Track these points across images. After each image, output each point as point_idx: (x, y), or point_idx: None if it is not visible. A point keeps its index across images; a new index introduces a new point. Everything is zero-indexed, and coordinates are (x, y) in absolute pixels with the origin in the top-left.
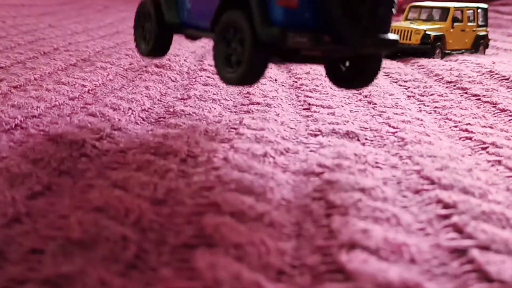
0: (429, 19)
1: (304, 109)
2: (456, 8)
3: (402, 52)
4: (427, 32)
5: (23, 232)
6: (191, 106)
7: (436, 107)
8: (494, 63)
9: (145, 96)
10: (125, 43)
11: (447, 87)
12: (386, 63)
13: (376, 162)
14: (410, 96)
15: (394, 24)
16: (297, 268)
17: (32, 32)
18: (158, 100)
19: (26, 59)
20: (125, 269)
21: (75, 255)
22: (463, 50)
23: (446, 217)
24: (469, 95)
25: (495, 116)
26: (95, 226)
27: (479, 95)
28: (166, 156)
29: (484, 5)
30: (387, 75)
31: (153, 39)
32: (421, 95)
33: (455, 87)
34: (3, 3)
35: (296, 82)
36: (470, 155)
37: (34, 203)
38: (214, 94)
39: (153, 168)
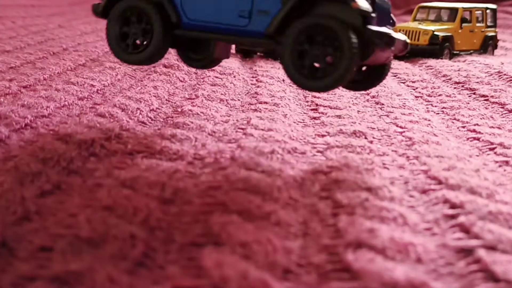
0: (438, 19)
1: (311, 109)
2: (465, 9)
3: (411, 52)
4: (435, 33)
5: (32, 229)
6: (198, 106)
7: (444, 107)
8: (502, 63)
9: (154, 96)
10: None
11: (455, 88)
12: (394, 64)
13: (383, 163)
14: (418, 97)
15: (403, 24)
16: (303, 267)
17: (42, 33)
18: (166, 100)
19: (36, 59)
20: (133, 267)
21: (83, 253)
22: (471, 51)
23: (453, 217)
24: (477, 96)
25: (503, 117)
26: (104, 224)
27: (487, 96)
28: (173, 158)
29: (493, 6)
30: (394, 76)
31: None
32: (429, 95)
33: (463, 88)
34: (13, 4)
35: None
36: (477, 155)
37: (43, 201)
38: (221, 94)
39: (161, 168)
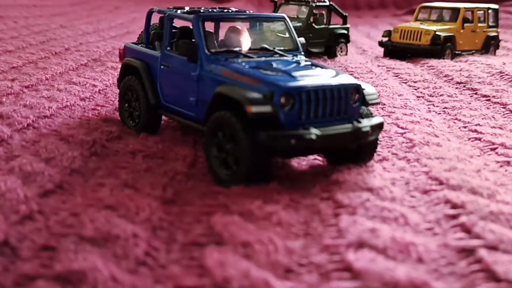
0: (439, 19)
1: None
2: (467, 9)
3: (412, 52)
4: (437, 33)
5: (35, 229)
6: None
7: (445, 107)
8: (504, 64)
9: None
10: None
11: (456, 88)
12: (396, 64)
13: (384, 167)
14: (419, 97)
15: (404, 24)
16: (305, 267)
17: (44, 33)
18: None
19: (38, 59)
20: (135, 266)
21: (86, 252)
22: (473, 51)
23: (454, 217)
24: (479, 96)
25: (505, 117)
26: (106, 224)
27: (488, 96)
28: (175, 159)
29: (495, 6)
30: (396, 76)
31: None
32: (430, 95)
33: (464, 88)
34: (15, 4)
35: None
36: (479, 155)
37: (46, 200)
38: None
39: (163, 169)
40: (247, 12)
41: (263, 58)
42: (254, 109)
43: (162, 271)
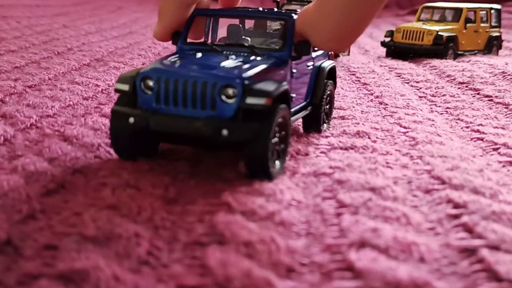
0: (442, 20)
1: None
2: (469, 9)
3: (414, 52)
4: (439, 33)
5: (37, 228)
6: None
7: (447, 107)
8: (507, 64)
9: None
10: (138, 44)
11: (459, 88)
12: (398, 64)
13: (387, 162)
14: (421, 97)
15: (407, 24)
16: (306, 266)
17: (47, 32)
18: None
19: (41, 59)
20: (137, 265)
21: (88, 251)
22: (476, 51)
23: (456, 216)
24: (481, 96)
25: (507, 117)
26: (108, 223)
27: (491, 96)
28: (177, 158)
29: (498, 6)
30: (398, 76)
31: None
32: (432, 95)
33: (467, 88)
34: (18, 4)
35: None
36: (481, 155)
37: (48, 200)
38: None
39: (165, 168)
40: (258, 9)
41: (228, 53)
42: (116, 86)
43: (164, 270)
